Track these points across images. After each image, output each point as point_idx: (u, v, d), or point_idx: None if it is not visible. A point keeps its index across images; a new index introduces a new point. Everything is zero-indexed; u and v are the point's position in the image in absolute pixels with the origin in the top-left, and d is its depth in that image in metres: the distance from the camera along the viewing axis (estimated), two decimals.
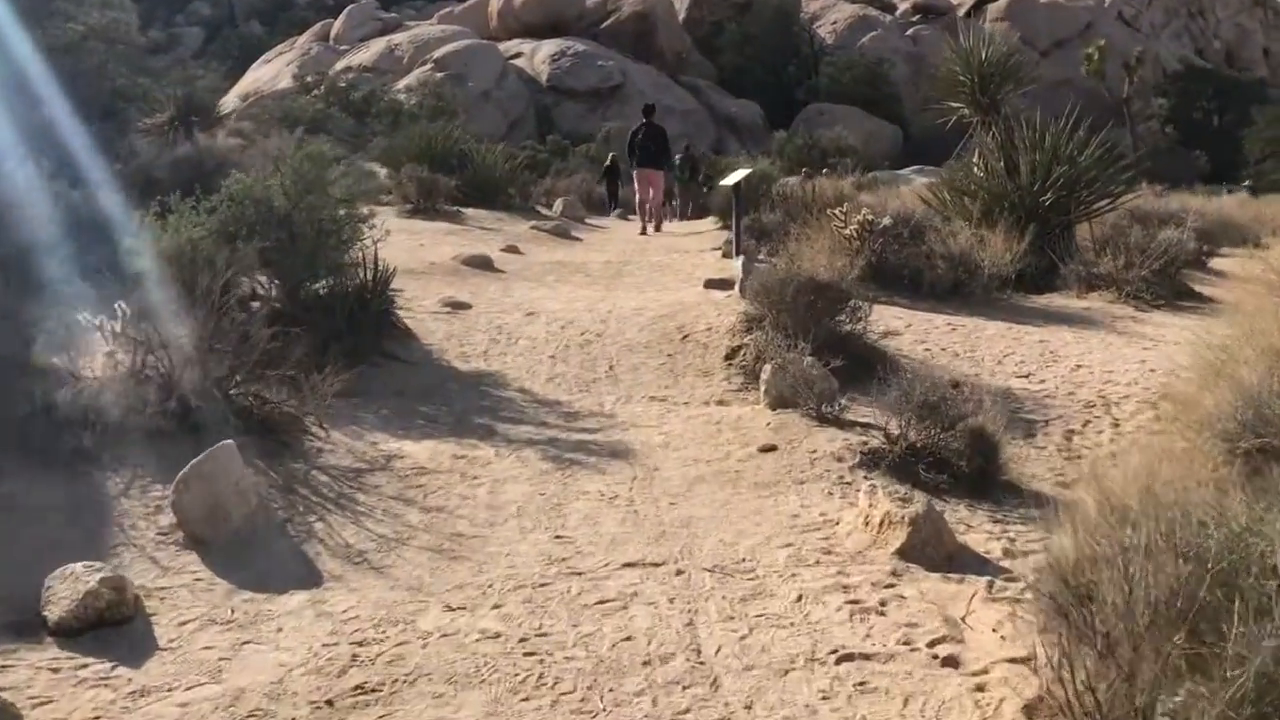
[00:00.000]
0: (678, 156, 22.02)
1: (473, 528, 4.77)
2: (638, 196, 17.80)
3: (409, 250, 12.61)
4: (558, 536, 4.64)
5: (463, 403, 6.93)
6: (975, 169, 12.89)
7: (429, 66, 48.84)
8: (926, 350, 8.23)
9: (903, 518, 4.32)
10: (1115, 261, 11.21)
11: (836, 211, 10.58)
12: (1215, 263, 14.93)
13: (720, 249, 13.45)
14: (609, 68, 49.94)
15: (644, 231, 17.14)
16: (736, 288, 9.58)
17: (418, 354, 7.98)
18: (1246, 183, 47.25)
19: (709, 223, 18.52)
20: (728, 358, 7.73)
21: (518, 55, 52.09)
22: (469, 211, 16.66)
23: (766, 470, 5.35)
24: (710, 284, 10.54)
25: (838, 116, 49.57)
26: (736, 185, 11.15)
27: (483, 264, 11.58)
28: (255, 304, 7.37)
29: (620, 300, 10.01)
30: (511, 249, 13.33)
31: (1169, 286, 11.28)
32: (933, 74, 14.12)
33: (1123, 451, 6.12)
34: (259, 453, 5.33)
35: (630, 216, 24.19)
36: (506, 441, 6.05)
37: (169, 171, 11.14)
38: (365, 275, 8.03)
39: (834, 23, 61.83)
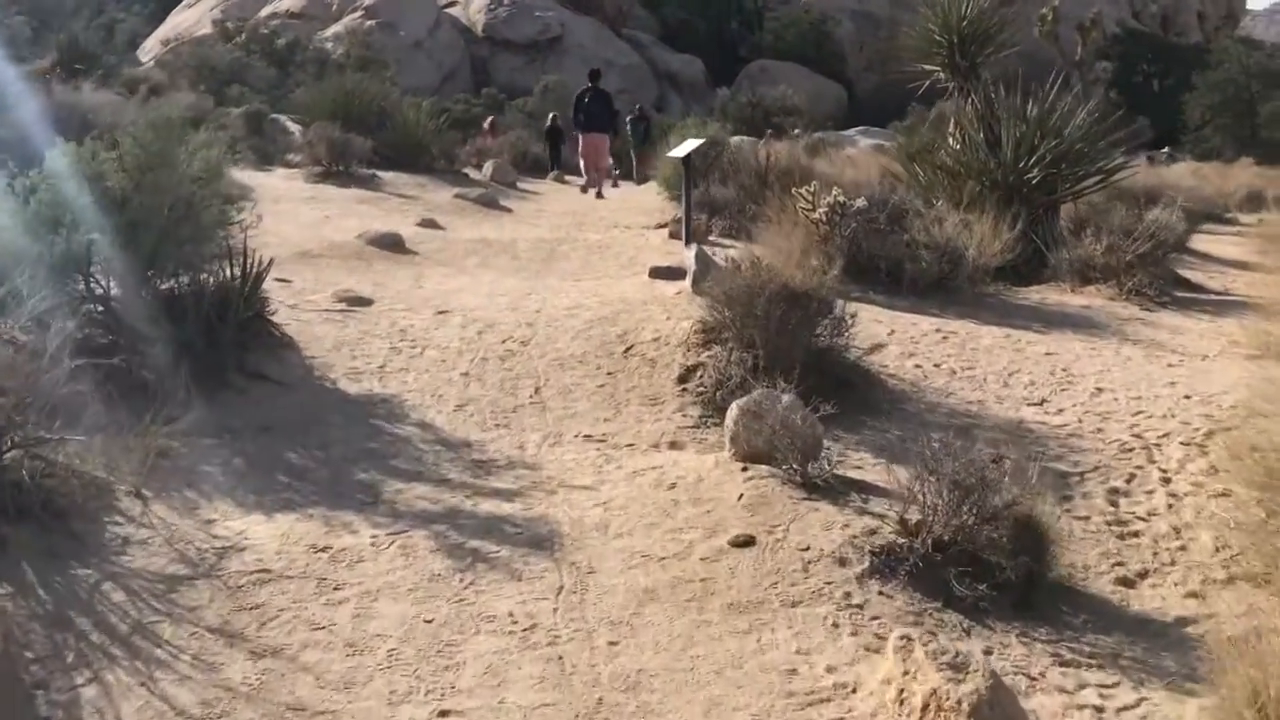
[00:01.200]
0: (629, 118, 21.92)
1: (320, 692, 3.21)
2: (582, 161, 17.76)
3: (310, 225, 10.89)
4: (443, 714, 3.10)
5: (344, 445, 5.34)
6: (950, 140, 11.43)
7: (359, 14, 46.29)
8: (918, 367, 6.77)
9: (959, 703, 2.84)
10: (1097, 244, 9.86)
11: (802, 192, 9.05)
12: (1196, 242, 13.70)
13: (666, 226, 11.89)
14: (548, 19, 47.75)
15: (585, 191, 17.12)
16: (688, 282, 8.06)
17: (296, 371, 6.34)
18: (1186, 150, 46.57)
19: (652, 190, 16.92)
20: (681, 380, 6.20)
21: (452, 4, 49.67)
22: (387, 176, 14.89)
23: (744, 578, 3.84)
24: (657, 273, 9.00)
25: (781, 74, 47.93)
26: (686, 158, 9.56)
27: (393, 244, 9.90)
28: (83, 312, 5.68)
29: (552, 294, 8.42)
30: (429, 223, 11.65)
31: (1160, 274, 9.96)
32: (904, 33, 12.54)
33: (1187, 526, 4.75)
34: (29, 555, 3.73)
35: (569, 179, 22.60)
36: (391, 515, 4.48)
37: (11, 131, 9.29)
38: (230, 270, 6.37)
39: None
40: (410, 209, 12.85)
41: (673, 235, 10.96)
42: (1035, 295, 9.27)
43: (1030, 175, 10.45)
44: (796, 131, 28.08)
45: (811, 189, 9.04)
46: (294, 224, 10.77)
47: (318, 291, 8.02)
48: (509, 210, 13.92)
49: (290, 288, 8.07)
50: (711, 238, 10.93)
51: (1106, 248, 9.75)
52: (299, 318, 7.24)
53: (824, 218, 8.86)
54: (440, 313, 7.70)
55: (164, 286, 6.10)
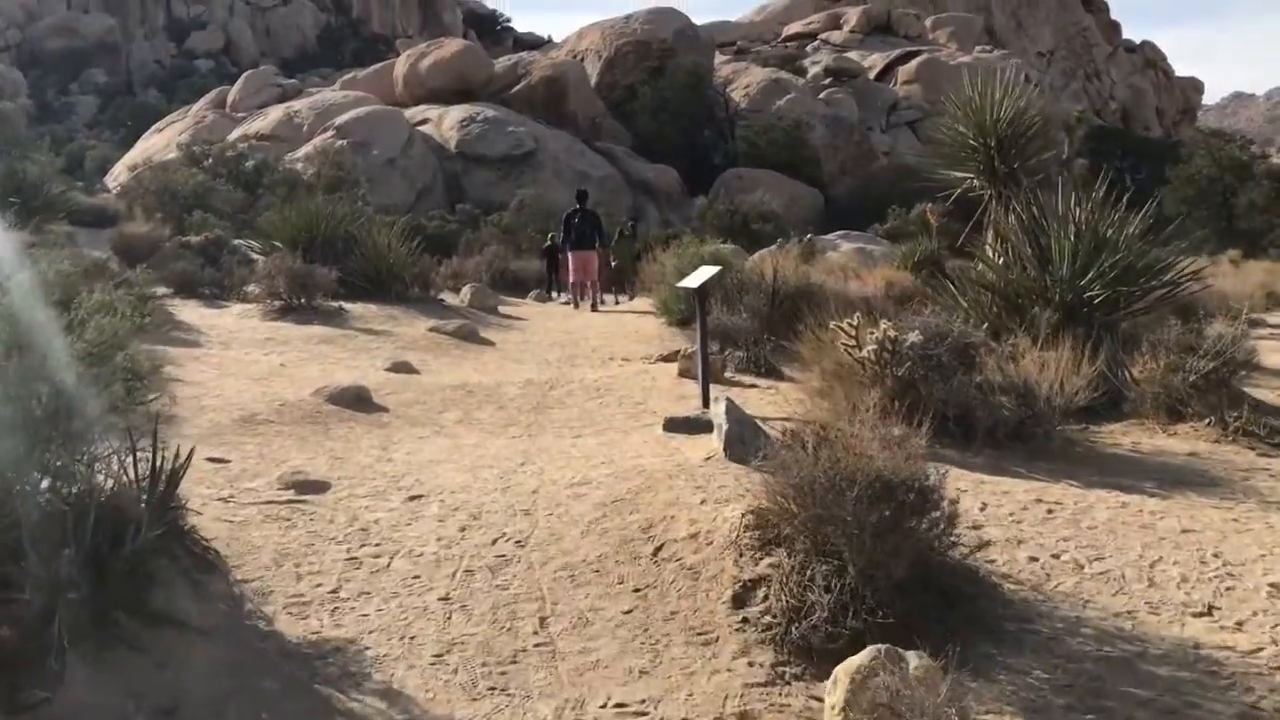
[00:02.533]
0: (623, 231, 22.77)
1: None
2: (572, 278, 18.00)
3: (262, 377, 9.28)
4: None
5: None
6: (989, 252, 10.02)
7: (330, 134, 45.47)
8: (1033, 560, 5.15)
9: None
10: (1154, 365, 8.40)
11: (843, 325, 7.55)
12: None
13: (672, 361, 10.36)
14: (520, 134, 47.06)
15: (576, 307, 17.27)
16: (717, 442, 6.50)
17: (219, 606, 4.68)
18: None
19: (646, 309, 15.47)
20: (738, 602, 4.57)
21: (424, 121, 49.00)
22: (354, 309, 13.37)
23: None
24: (673, 425, 7.45)
25: (757, 181, 47.26)
26: (700, 290, 8.06)
27: (357, 400, 8.29)
28: None
29: (550, 460, 6.82)
30: (402, 366, 10.06)
31: (1229, 398, 8.46)
32: (930, 137, 11.23)
33: None
34: None
35: (553, 296, 21.37)
36: None
37: None
38: (132, 472, 4.73)
39: (746, 87, 59.90)
40: (380, 349, 11.28)
41: (683, 373, 9.41)
42: (1124, 439, 7.71)
43: (1092, 293, 9.00)
44: (782, 241, 26.94)
45: (854, 321, 7.53)
46: (242, 376, 9.17)
47: (261, 474, 6.38)
48: (491, 344, 12.37)
49: (226, 470, 6.43)
50: (729, 374, 9.41)
51: (1167, 368, 8.29)
52: (233, 516, 5.59)
53: (873, 356, 7.33)
54: (413, 498, 6.07)
55: (32, 505, 4.45)
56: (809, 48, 71.82)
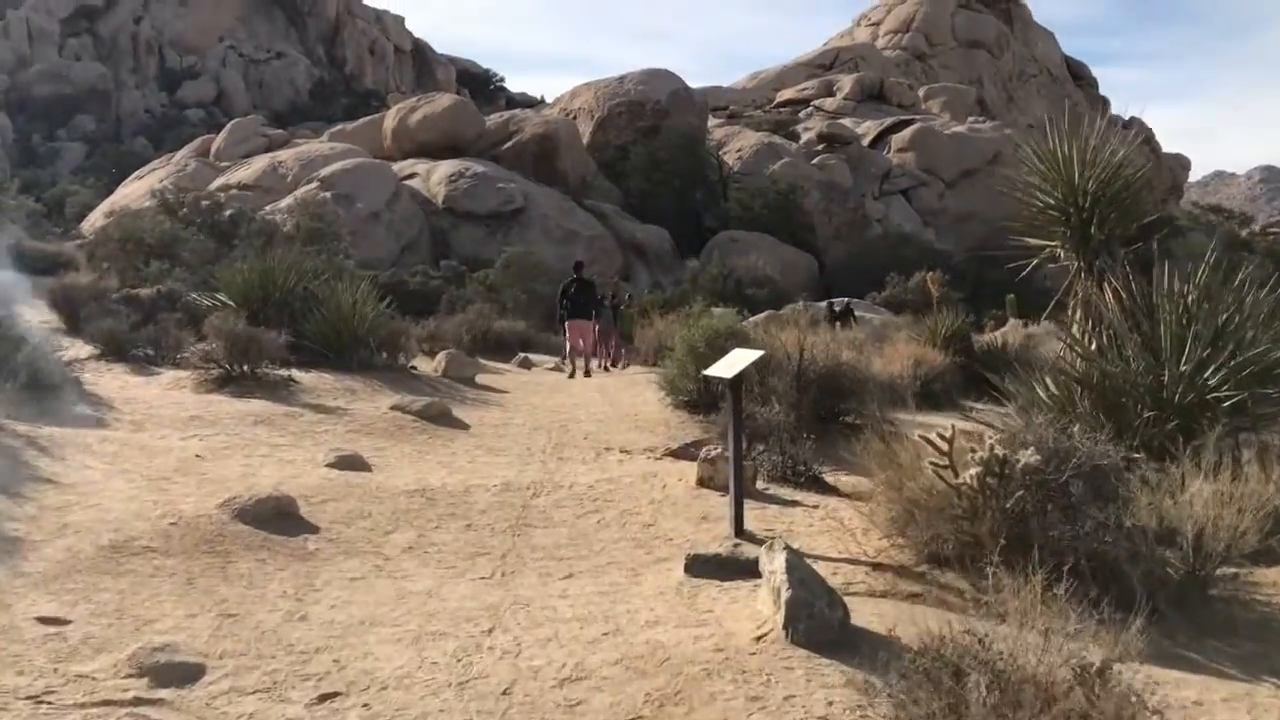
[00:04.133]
0: (622, 306, 22.07)
1: None
2: (568, 345, 17.88)
3: (161, 477, 7.18)
4: None
5: None
6: (1076, 335, 8.06)
7: (314, 185, 43.56)
8: None
9: None
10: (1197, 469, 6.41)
11: (932, 439, 5.54)
12: None
13: (682, 458, 8.33)
14: (510, 190, 45.23)
15: (572, 376, 16.70)
16: (775, 612, 4.48)
17: None
18: None
19: (645, 385, 13.44)
20: None
21: (412, 175, 47.16)
22: (307, 379, 11.30)
23: None
24: (698, 567, 5.41)
25: (751, 244, 45.50)
26: (735, 382, 6.04)
27: (276, 515, 6.20)
28: None
29: (530, 626, 4.74)
30: (349, 461, 7.97)
31: None
32: (1007, 192, 9.31)
33: None
34: None
35: (534, 359, 19.50)
36: None
37: None
38: None
39: (739, 150, 58.44)
40: (328, 433, 9.20)
41: (702, 481, 7.34)
42: None
43: (1220, 393, 7.03)
44: (802, 305, 25.10)
45: (947, 434, 5.51)
46: (138, 475, 7.08)
47: (107, 647, 4.29)
48: (465, 426, 10.27)
49: (59, 639, 4.34)
50: (759, 484, 7.36)
51: None
52: None
53: (975, 483, 5.31)
54: (323, 698, 3.99)
55: None
56: (802, 114, 70.58)
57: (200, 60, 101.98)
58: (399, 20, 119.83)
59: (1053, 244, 8.28)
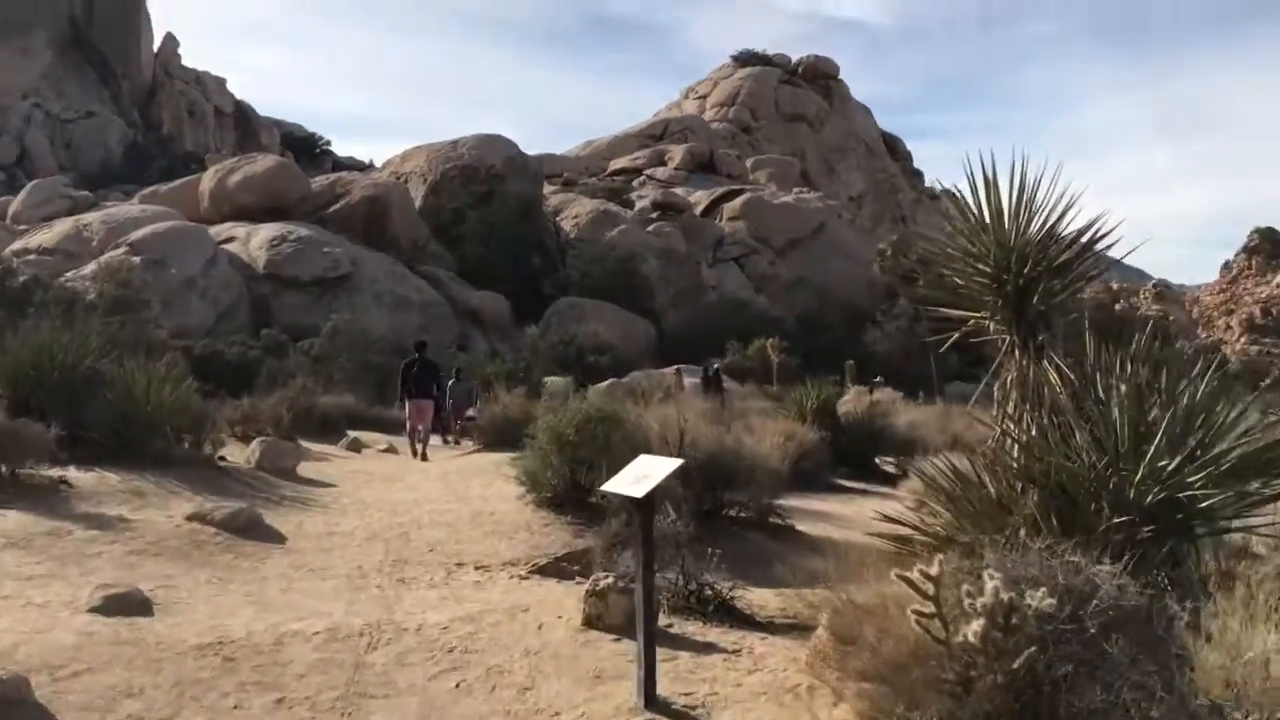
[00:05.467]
0: (450, 382, 21.08)
1: None
2: (409, 424, 17.23)
3: None
4: None
5: None
6: (1016, 423, 6.83)
7: (122, 250, 40.23)
8: None
9: None
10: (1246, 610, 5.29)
11: (914, 577, 4.10)
12: None
13: (560, 575, 6.71)
14: (336, 255, 42.84)
15: (415, 454, 16.33)
16: None
17: None
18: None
19: (495, 469, 11.78)
20: None
21: (231, 239, 44.24)
22: (85, 480, 9.17)
23: None
24: None
25: (591, 311, 44.37)
26: (647, 501, 4.51)
27: None
28: None
29: None
30: (123, 601, 6.02)
31: None
32: (924, 259, 8.05)
33: None
34: None
35: (364, 440, 17.67)
36: None
37: None
38: None
39: (576, 216, 57.55)
40: (101, 557, 7.18)
41: (591, 621, 5.70)
42: None
43: (1197, 492, 5.88)
44: (677, 373, 23.74)
45: (933, 570, 4.09)
46: None
47: None
48: (280, 540, 8.34)
49: None
50: (661, 619, 5.78)
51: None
52: None
53: (979, 640, 3.90)
54: None
55: None
56: (635, 182, 70.40)
57: (1, 118, 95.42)
58: (220, 82, 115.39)
59: (978, 315, 7.07)
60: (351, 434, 19.13)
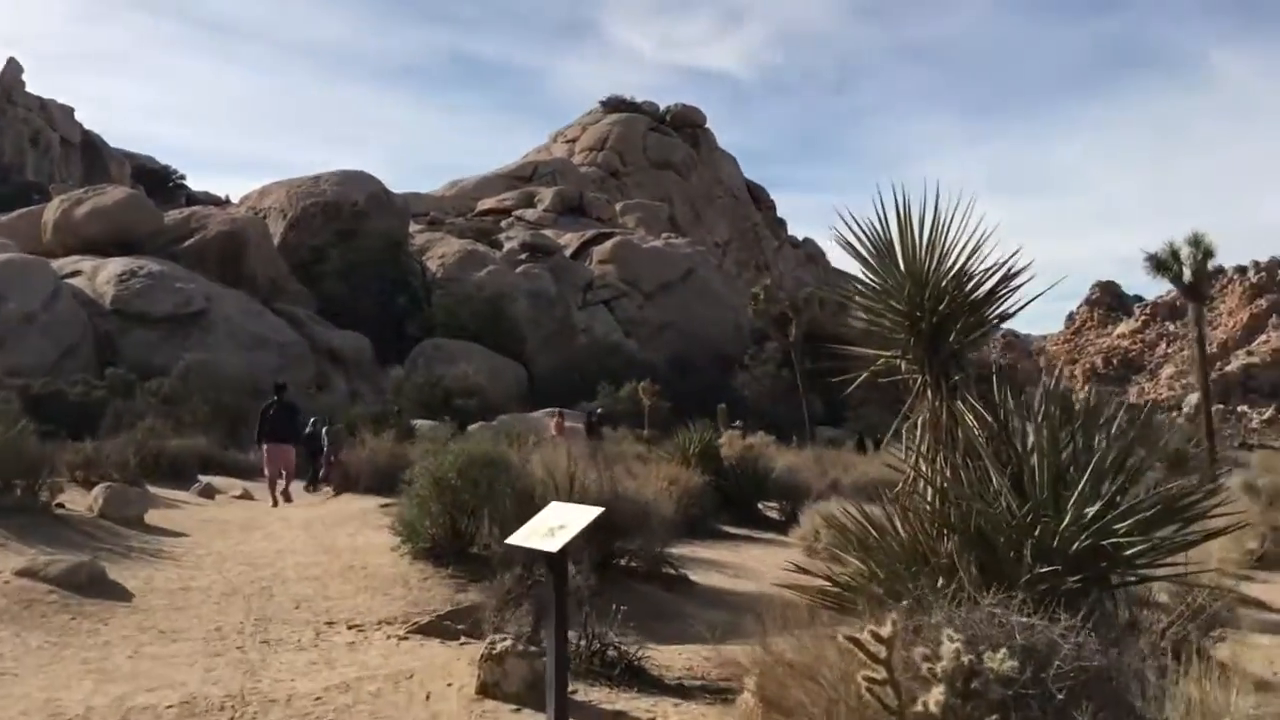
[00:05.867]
0: (320, 427, 20.78)
1: None
2: (267, 471, 16.52)
3: None
4: None
5: None
6: (921, 464, 6.54)
7: None
8: None
9: None
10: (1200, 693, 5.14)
11: (865, 640, 3.68)
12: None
13: (444, 635, 6.09)
14: (189, 291, 40.92)
15: (275, 502, 15.72)
16: None
17: None
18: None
19: (365, 516, 11.03)
20: None
21: (76, 274, 41.88)
22: None
23: None
24: None
25: (457, 353, 43.40)
26: (560, 556, 3.98)
27: None
28: None
29: None
30: None
31: None
32: (835, 296, 7.67)
33: None
34: None
35: (218, 487, 16.62)
36: None
37: None
38: None
39: (442, 256, 56.57)
40: None
41: (487, 690, 5.09)
42: None
43: (1121, 539, 5.67)
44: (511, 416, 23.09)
45: (885, 631, 3.68)
46: None
47: None
48: (125, 598, 7.47)
49: None
50: (572, 688, 5.22)
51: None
52: None
53: (939, 708, 3.50)
54: None
55: None
56: (504, 223, 69.79)
57: None
58: (68, 111, 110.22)
59: (888, 354, 6.79)
60: (204, 479, 17.96)
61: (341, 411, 27.84)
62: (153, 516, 11.35)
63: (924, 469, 6.51)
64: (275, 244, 49.39)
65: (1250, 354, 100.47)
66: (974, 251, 6.56)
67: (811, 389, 47.55)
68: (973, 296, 6.51)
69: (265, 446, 16.52)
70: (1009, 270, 6.60)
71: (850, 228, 6.73)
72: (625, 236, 64.86)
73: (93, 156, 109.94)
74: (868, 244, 6.77)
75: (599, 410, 27.93)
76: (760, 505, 15.64)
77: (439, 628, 6.51)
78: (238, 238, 46.03)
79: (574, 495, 8.48)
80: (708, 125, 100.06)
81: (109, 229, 44.80)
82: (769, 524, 14.84)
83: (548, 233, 64.69)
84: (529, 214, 71.33)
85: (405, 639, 6.48)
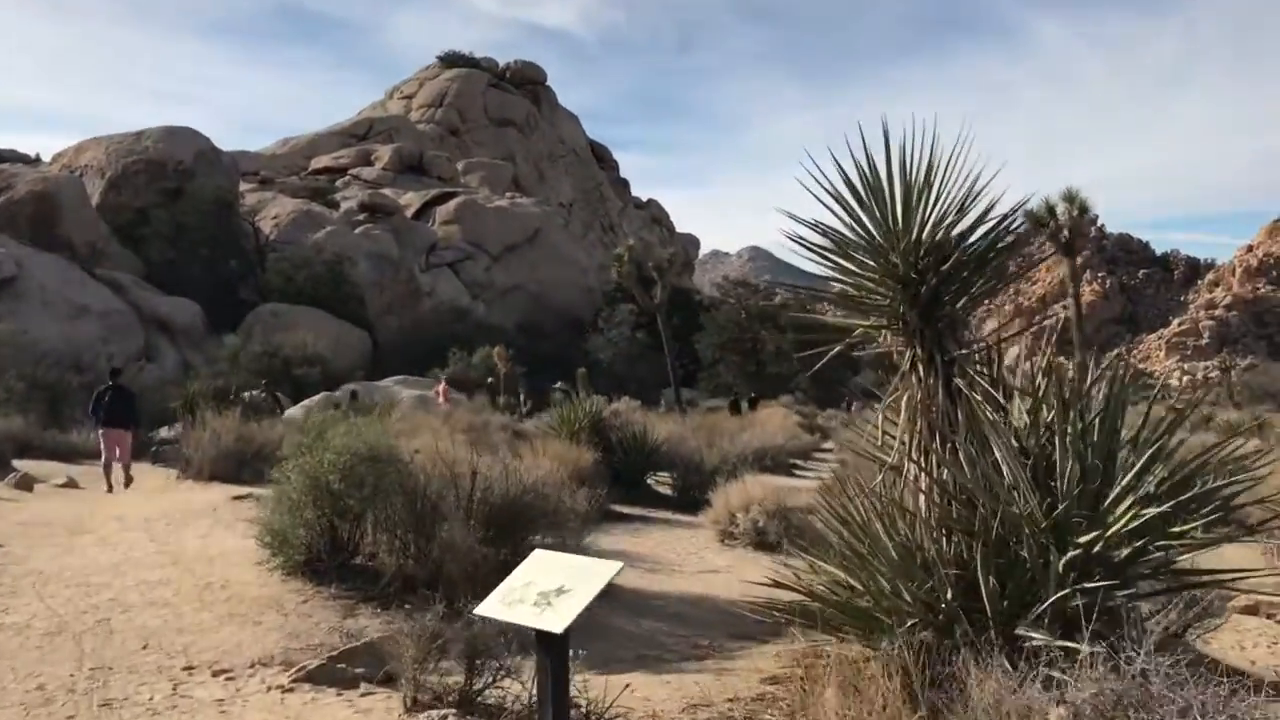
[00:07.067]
0: None
1: None
2: (104, 458, 16.12)
3: None
4: None
5: None
6: (894, 447, 5.52)
7: None
8: None
9: None
10: None
11: None
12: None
13: (345, 683, 4.79)
14: None
15: (110, 489, 15.34)
16: None
17: None
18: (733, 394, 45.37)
19: (215, 513, 9.47)
20: None
21: None
22: None
23: None
24: None
25: (297, 319, 40.90)
26: (563, 640, 2.80)
27: None
28: None
29: None
30: None
31: None
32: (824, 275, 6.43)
33: None
34: None
35: (59, 483, 14.70)
36: None
37: None
38: None
39: (276, 217, 53.39)
40: None
41: None
42: None
43: (1170, 540, 4.80)
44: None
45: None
46: None
47: None
48: None
49: None
50: None
51: None
52: None
53: None
54: None
55: None
56: (339, 182, 66.58)
57: None
58: None
59: (867, 324, 5.73)
60: (21, 467, 15.81)
61: (178, 386, 25.49)
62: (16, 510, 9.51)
63: (917, 459, 5.52)
64: (94, 205, 45.54)
65: (1065, 308, 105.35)
66: (972, 198, 5.57)
67: (664, 351, 46.87)
68: (971, 251, 5.52)
69: (102, 431, 16.35)
70: (1008, 222, 5.65)
71: (825, 173, 5.63)
72: (469, 196, 62.74)
73: None
74: (851, 191, 5.67)
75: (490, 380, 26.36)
76: (650, 480, 14.57)
77: (332, 673, 5.16)
78: (51, 199, 42.18)
79: (474, 491, 7.21)
80: (548, 83, 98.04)
81: None
82: (661, 500, 13.80)
83: (387, 192, 61.96)
84: (366, 173, 68.28)
85: (290, 690, 5.11)
